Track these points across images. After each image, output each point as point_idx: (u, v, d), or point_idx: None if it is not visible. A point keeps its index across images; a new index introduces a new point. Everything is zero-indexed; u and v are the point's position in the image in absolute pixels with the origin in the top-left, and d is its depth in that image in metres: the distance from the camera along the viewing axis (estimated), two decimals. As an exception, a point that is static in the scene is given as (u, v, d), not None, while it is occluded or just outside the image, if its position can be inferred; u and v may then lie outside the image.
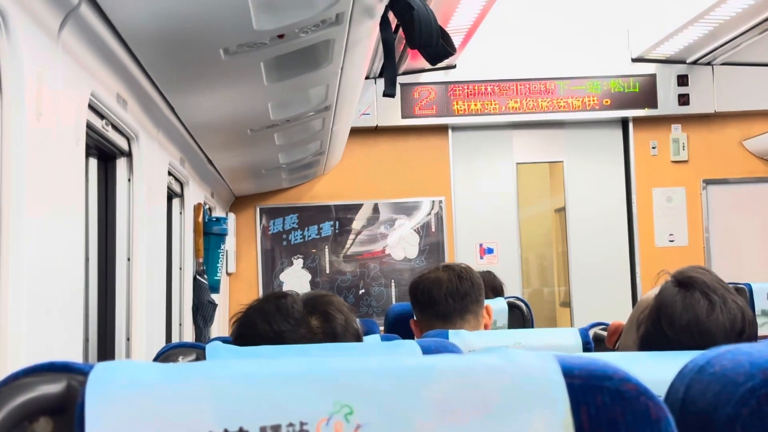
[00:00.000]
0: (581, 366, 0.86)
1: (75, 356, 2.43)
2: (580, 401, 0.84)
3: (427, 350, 1.61)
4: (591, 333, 2.73)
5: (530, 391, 0.84)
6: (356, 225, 7.35)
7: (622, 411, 0.84)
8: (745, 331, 1.72)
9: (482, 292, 2.90)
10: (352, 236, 7.35)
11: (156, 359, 1.96)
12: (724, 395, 0.86)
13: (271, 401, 0.83)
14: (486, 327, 2.91)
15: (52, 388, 0.84)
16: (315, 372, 0.85)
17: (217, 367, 0.87)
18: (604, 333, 2.64)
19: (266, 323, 1.83)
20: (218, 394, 0.82)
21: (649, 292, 1.85)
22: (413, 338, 2.48)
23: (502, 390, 0.84)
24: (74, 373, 0.85)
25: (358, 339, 1.90)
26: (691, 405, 0.89)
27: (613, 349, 2.06)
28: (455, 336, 2.46)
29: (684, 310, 1.71)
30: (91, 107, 2.65)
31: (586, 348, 2.62)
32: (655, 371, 1.10)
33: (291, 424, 0.82)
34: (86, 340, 3.09)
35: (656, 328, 1.74)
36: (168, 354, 2.02)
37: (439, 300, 2.80)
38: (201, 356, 1.89)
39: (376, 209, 7.34)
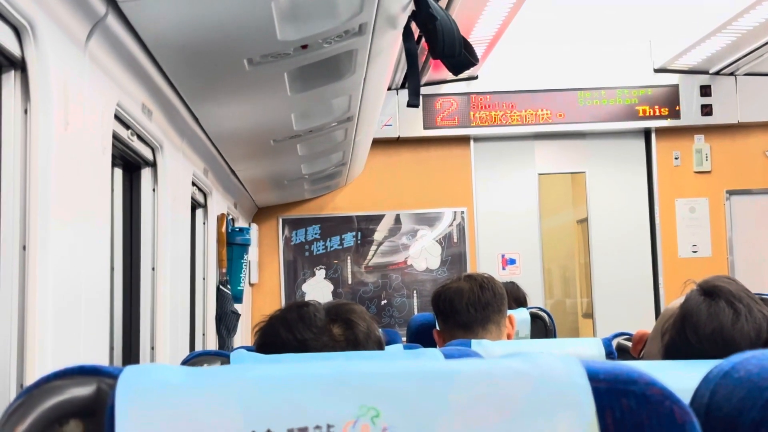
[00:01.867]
0: (606, 370, 0.86)
1: (101, 363, 2.44)
2: (606, 405, 0.85)
3: (449, 359, 1.61)
4: (614, 343, 2.72)
5: (555, 394, 0.85)
6: (378, 236, 7.35)
7: (647, 415, 0.84)
8: (771, 340, 1.72)
9: (505, 302, 2.89)
10: (374, 247, 7.35)
11: (181, 367, 1.96)
12: (750, 400, 0.86)
13: (298, 404, 0.83)
14: (509, 337, 2.90)
15: (83, 390, 0.85)
16: (341, 375, 0.85)
17: (244, 370, 0.88)
18: (628, 343, 2.63)
19: (289, 332, 1.84)
20: (246, 397, 0.83)
21: (674, 301, 1.84)
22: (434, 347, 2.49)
23: (526, 394, 0.85)
24: (104, 377, 0.86)
25: (380, 347, 1.90)
26: (717, 410, 0.89)
27: (638, 358, 2.05)
28: (477, 345, 2.46)
29: (709, 319, 1.71)
30: (117, 117, 2.67)
31: (609, 358, 2.61)
32: (680, 379, 1.09)
33: (318, 427, 0.83)
34: (111, 348, 3.11)
35: (681, 336, 1.73)
36: (193, 362, 2.04)
37: (460, 310, 2.80)
38: (226, 364, 1.90)
39: (397, 220, 7.35)
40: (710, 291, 1.75)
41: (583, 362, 0.87)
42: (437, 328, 2.95)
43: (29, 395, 0.84)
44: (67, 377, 0.86)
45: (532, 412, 0.84)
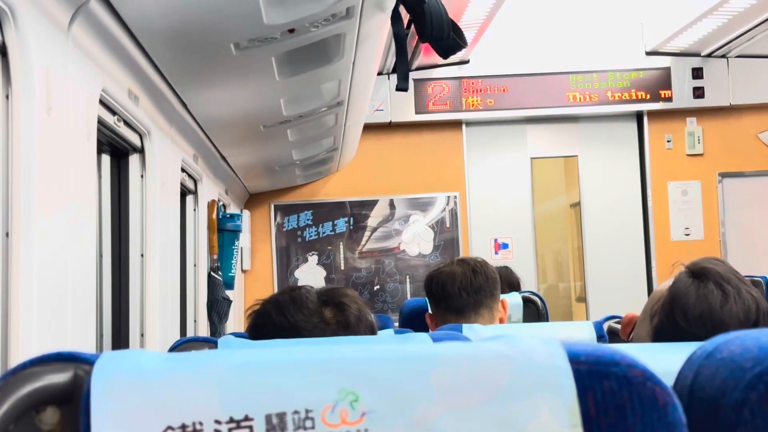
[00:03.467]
0: (588, 352, 0.86)
1: (89, 351, 2.43)
2: (587, 387, 0.84)
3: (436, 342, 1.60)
4: (605, 326, 2.72)
5: (536, 377, 0.84)
6: (371, 221, 7.35)
7: (629, 396, 0.83)
8: (760, 322, 1.71)
9: (497, 287, 2.89)
10: (366, 233, 7.35)
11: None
12: (732, 381, 0.85)
13: (276, 389, 0.83)
14: (501, 321, 2.90)
15: (59, 377, 0.84)
16: (320, 360, 0.85)
17: (222, 355, 0.87)
18: (619, 326, 2.63)
19: (280, 314, 1.86)
20: (223, 382, 0.83)
21: (663, 284, 1.84)
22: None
23: (508, 376, 0.84)
24: (81, 363, 0.85)
25: (372, 331, 1.91)
26: (699, 391, 0.89)
27: (627, 341, 2.05)
28: (469, 330, 2.46)
29: (697, 301, 1.71)
30: (103, 103, 2.66)
31: (601, 341, 2.61)
32: (667, 361, 1.09)
33: (296, 412, 0.82)
34: (100, 336, 3.10)
35: (670, 319, 1.73)
36: (181, 348, 2.04)
37: (453, 294, 2.81)
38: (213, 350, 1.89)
39: (390, 205, 7.34)
40: (699, 273, 1.75)
41: (564, 344, 0.87)
42: (430, 311, 2.95)
43: (5, 382, 0.83)
44: (44, 364, 0.85)
45: (513, 394, 0.84)
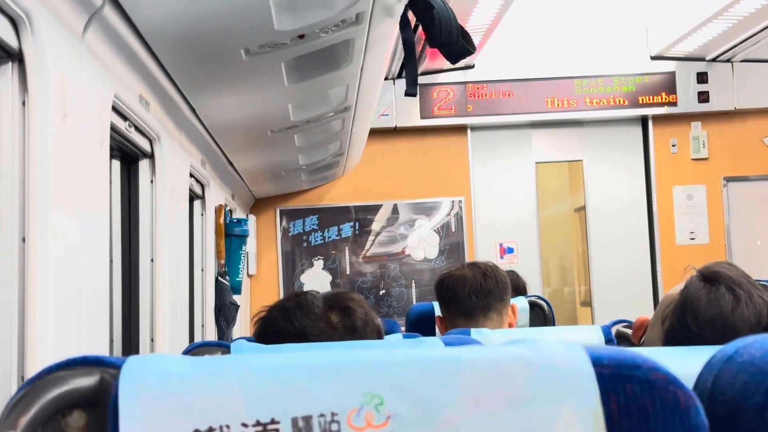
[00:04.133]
0: (610, 356, 0.86)
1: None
2: (610, 390, 0.84)
3: (449, 347, 1.61)
4: (613, 330, 2.73)
5: (559, 380, 0.85)
6: (376, 226, 7.35)
7: (651, 400, 0.84)
8: (771, 326, 1.72)
9: (507, 291, 2.90)
10: (372, 237, 7.35)
11: (182, 358, 1.96)
12: (753, 384, 0.85)
13: (302, 392, 0.83)
14: (511, 326, 2.91)
15: (86, 381, 0.85)
16: (345, 363, 0.85)
17: (247, 359, 0.88)
18: (627, 330, 2.64)
19: (287, 320, 1.85)
20: (250, 386, 0.83)
21: (674, 288, 1.84)
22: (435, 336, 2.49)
23: (530, 380, 0.84)
24: (107, 367, 0.86)
25: (379, 335, 1.91)
26: (720, 394, 0.89)
27: (638, 345, 2.05)
28: (477, 334, 2.46)
29: (709, 305, 1.71)
30: (115, 109, 2.67)
31: (609, 345, 2.61)
32: (682, 364, 1.10)
33: (322, 415, 0.83)
34: (111, 340, 3.11)
35: (681, 322, 1.73)
36: (194, 352, 2.04)
37: (462, 297, 2.81)
38: (226, 354, 1.90)
39: (395, 210, 7.34)
40: (710, 277, 1.75)
41: (586, 348, 0.87)
42: (439, 314, 2.96)
43: (32, 386, 0.83)
44: (69, 368, 0.85)
45: (536, 398, 0.84)
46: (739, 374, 0.88)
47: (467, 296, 2.81)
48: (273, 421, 0.82)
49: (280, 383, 0.84)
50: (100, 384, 0.85)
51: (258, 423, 0.82)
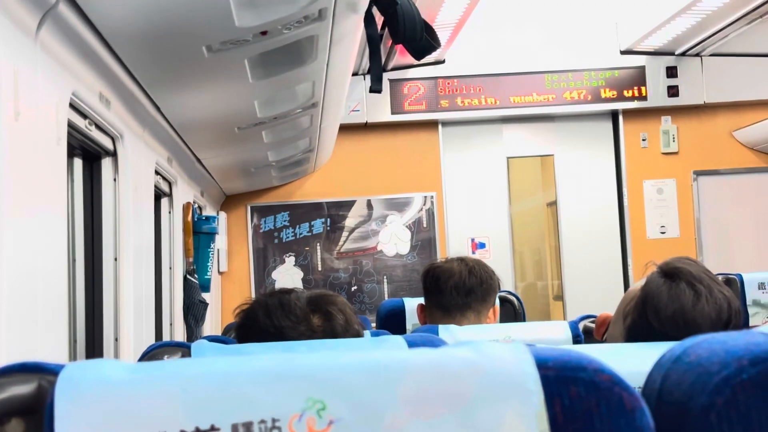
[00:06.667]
0: (555, 357, 0.86)
1: (60, 358, 2.42)
2: (554, 393, 0.84)
3: (413, 345, 1.61)
4: (581, 326, 2.73)
5: (504, 383, 0.84)
6: (348, 222, 7.34)
7: (596, 402, 0.83)
8: (732, 321, 1.72)
9: (491, 292, 2.88)
10: (344, 233, 7.34)
11: (141, 359, 1.96)
12: (699, 385, 0.85)
13: (243, 398, 0.82)
14: (487, 326, 2.91)
15: (24, 388, 0.84)
16: (287, 368, 0.84)
17: (189, 364, 0.86)
18: (593, 326, 2.64)
19: (267, 317, 1.86)
20: (189, 392, 0.82)
21: (636, 284, 1.85)
22: (403, 333, 2.49)
23: (475, 383, 0.84)
24: (45, 374, 0.85)
25: None
26: (668, 395, 0.89)
27: (601, 341, 2.06)
28: (444, 331, 2.46)
29: (670, 301, 1.71)
30: (73, 107, 2.63)
31: (576, 340, 2.62)
32: (638, 362, 1.09)
33: (263, 421, 0.82)
34: (74, 341, 3.08)
35: (642, 319, 1.74)
36: (153, 353, 2.02)
37: (444, 291, 2.81)
38: (186, 355, 1.89)
39: (368, 206, 7.34)
40: (671, 273, 1.75)
41: (531, 349, 0.86)
42: (422, 303, 2.97)
43: None
44: (7, 375, 0.85)
45: (481, 401, 0.83)
46: (686, 375, 0.87)
47: (448, 291, 2.81)
48: (213, 428, 0.82)
49: (221, 389, 0.83)
50: (38, 391, 0.84)
51: (197, 430, 0.81)
